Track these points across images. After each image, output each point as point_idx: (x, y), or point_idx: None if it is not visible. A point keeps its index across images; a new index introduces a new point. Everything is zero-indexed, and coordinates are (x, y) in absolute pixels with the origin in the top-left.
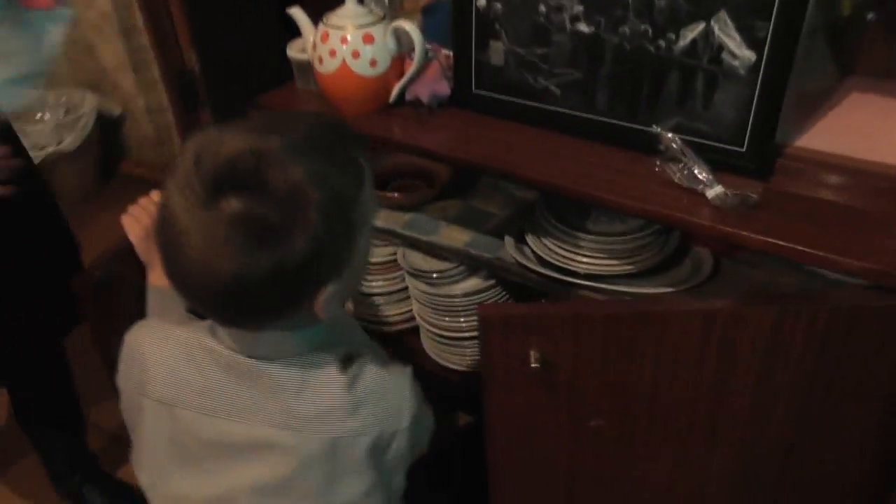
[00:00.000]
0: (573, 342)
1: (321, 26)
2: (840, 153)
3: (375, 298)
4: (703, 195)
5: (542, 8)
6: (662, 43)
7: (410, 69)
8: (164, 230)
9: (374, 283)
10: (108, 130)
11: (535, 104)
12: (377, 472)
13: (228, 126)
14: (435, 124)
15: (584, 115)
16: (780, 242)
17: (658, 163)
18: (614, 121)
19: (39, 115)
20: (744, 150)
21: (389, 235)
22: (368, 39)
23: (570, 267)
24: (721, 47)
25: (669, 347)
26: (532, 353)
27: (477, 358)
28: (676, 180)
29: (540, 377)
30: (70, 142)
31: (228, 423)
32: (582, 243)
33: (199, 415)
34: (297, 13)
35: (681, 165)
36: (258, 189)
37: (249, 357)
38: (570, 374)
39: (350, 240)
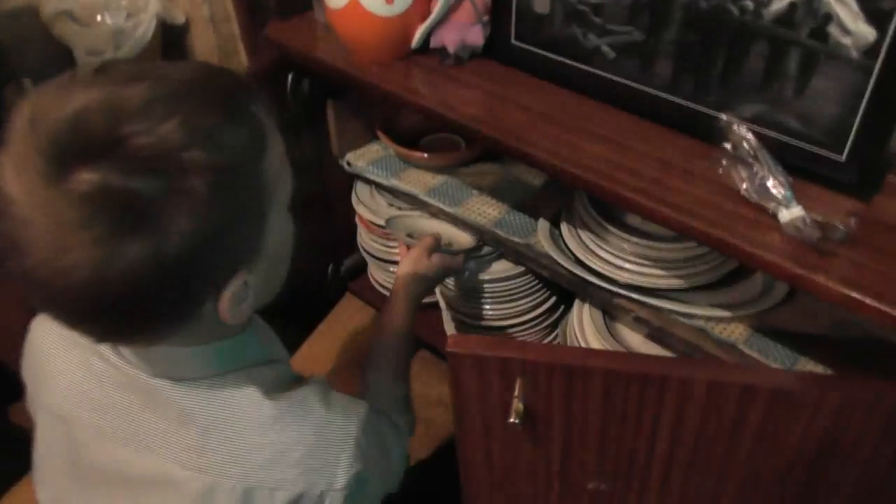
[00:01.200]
0: (564, 396)
1: None
2: None
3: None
4: (774, 216)
5: None
6: (750, 3)
7: (435, 9)
8: None
9: (393, 248)
10: (169, 39)
11: (583, 66)
12: None
13: (77, 77)
14: (461, 80)
15: (640, 87)
16: (869, 301)
17: (724, 163)
18: (676, 99)
19: (99, 17)
20: (843, 158)
21: (411, 200)
22: None
23: (607, 273)
24: (829, 17)
25: (686, 420)
26: (514, 402)
27: None
28: (743, 191)
29: (524, 430)
30: (128, 49)
31: (126, 451)
32: (625, 245)
33: (96, 436)
34: None
35: (752, 171)
36: (116, 154)
37: (153, 377)
38: (561, 430)
39: (256, 218)
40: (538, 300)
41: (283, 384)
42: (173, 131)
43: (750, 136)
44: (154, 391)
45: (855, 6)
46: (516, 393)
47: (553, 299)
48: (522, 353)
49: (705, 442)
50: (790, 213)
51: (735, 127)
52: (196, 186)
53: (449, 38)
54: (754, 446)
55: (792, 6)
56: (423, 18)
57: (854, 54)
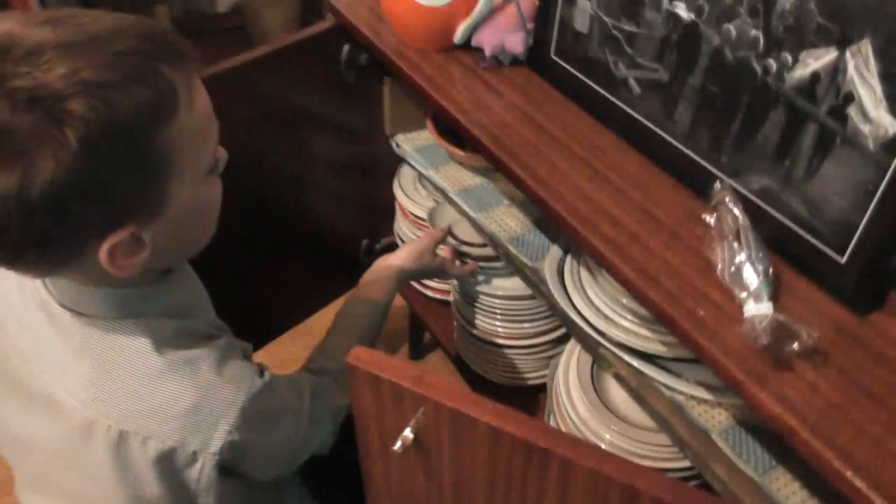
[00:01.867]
0: (452, 438)
1: None
2: None
3: None
4: (740, 307)
5: None
6: (773, 64)
7: (477, 7)
8: None
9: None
10: None
11: (608, 96)
12: (171, 488)
13: (8, 14)
14: (489, 84)
15: (657, 130)
16: (800, 430)
17: (711, 233)
18: (688, 151)
19: None
20: (843, 260)
21: (443, 195)
22: None
23: (594, 322)
24: (850, 97)
25: (570, 501)
26: (406, 430)
27: (509, 373)
28: (717, 270)
29: (417, 461)
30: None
31: (31, 366)
32: (619, 297)
33: (14, 347)
34: None
35: (732, 250)
36: (3, 92)
37: (59, 305)
38: (451, 472)
39: (144, 179)
40: (544, 327)
41: (184, 339)
42: (56, 80)
43: (737, 211)
44: (58, 318)
45: (879, 91)
46: (411, 422)
47: (562, 331)
48: (414, 384)
49: None
50: (756, 308)
51: (727, 198)
52: (69, 136)
53: (488, 40)
54: None
55: (815, 76)
56: (468, 14)
57: (871, 145)
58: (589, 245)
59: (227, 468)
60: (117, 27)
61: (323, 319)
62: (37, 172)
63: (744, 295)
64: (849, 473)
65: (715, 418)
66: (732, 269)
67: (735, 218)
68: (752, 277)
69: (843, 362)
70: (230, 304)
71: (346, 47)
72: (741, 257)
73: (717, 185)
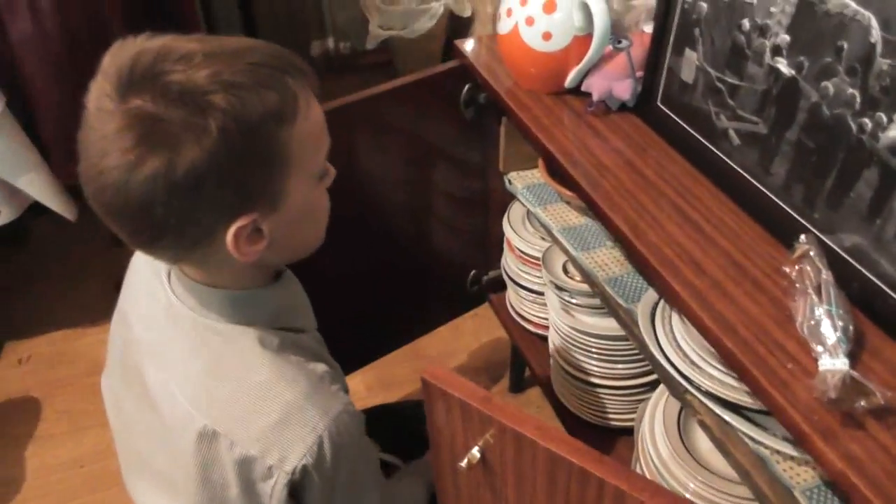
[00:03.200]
0: (514, 460)
1: None
2: None
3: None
4: (815, 361)
5: (747, 24)
6: (868, 123)
7: (588, 54)
8: (80, 133)
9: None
10: (454, 28)
11: (709, 145)
12: (248, 495)
13: (156, 34)
14: (594, 128)
15: (753, 181)
16: (864, 489)
17: (796, 286)
18: (782, 204)
19: None
20: None
21: (546, 232)
22: (550, 7)
23: (679, 366)
24: None
25: None
26: (474, 448)
27: (600, 412)
28: (797, 323)
29: (483, 478)
30: (413, 30)
31: (149, 363)
32: (706, 343)
33: (136, 343)
34: None
35: (812, 304)
36: (154, 87)
37: (184, 307)
38: (514, 493)
39: (267, 171)
40: (637, 370)
41: (289, 354)
42: (202, 77)
43: (820, 264)
44: (181, 319)
45: None
46: (480, 441)
47: (655, 375)
48: (482, 404)
49: None
50: (831, 363)
51: (812, 252)
52: (210, 125)
53: (596, 86)
54: None
55: None
56: (580, 60)
57: None
58: (669, 288)
59: (296, 492)
60: (252, 45)
61: (428, 343)
62: (182, 156)
63: (820, 349)
64: None
65: (800, 475)
66: (812, 322)
67: (818, 271)
68: (829, 332)
69: None
70: (343, 321)
71: (466, 87)
72: (820, 311)
73: (803, 237)
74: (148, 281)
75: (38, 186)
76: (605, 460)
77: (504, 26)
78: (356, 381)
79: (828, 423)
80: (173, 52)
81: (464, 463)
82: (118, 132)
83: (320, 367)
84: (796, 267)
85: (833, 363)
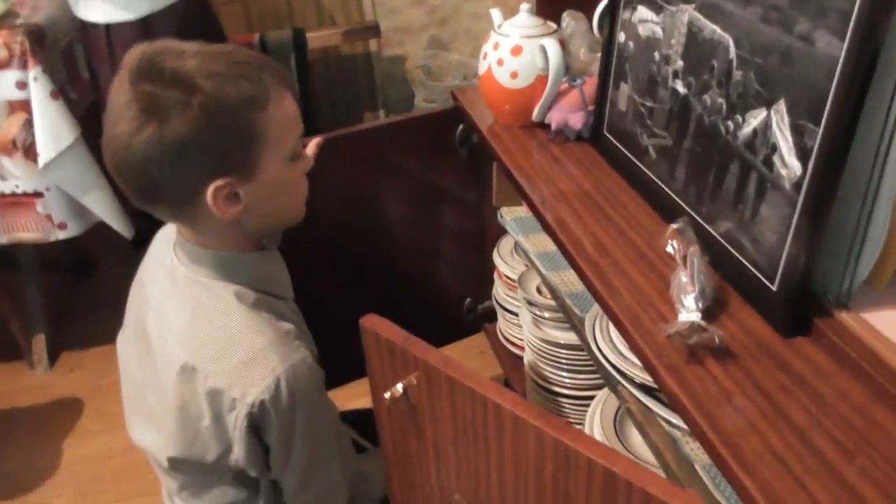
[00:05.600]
0: (427, 394)
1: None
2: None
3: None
4: (677, 317)
5: (657, 55)
6: (731, 125)
7: (545, 92)
8: (104, 113)
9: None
10: None
11: (637, 162)
12: (217, 425)
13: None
14: (552, 154)
15: (663, 186)
16: (694, 413)
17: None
18: (681, 202)
19: (447, 77)
20: (775, 288)
21: (525, 257)
22: (516, 51)
23: (612, 361)
24: (775, 147)
25: (510, 453)
26: (399, 384)
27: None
28: (671, 289)
29: (411, 419)
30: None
31: (151, 315)
32: None
33: (146, 300)
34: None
35: (681, 271)
36: (155, 74)
37: (181, 265)
38: (431, 430)
39: (242, 144)
40: (600, 381)
41: (261, 309)
42: (191, 66)
43: (688, 240)
44: (178, 276)
45: (791, 140)
46: (405, 379)
47: None
48: (402, 342)
49: (522, 480)
50: (686, 316)
51: (684, 230)
52: (192, 103)
53: (555, 118)
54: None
55: (754, 132)
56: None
57: (787, 186)
58: (577, 266)
59: (257, 428)
60: (238, 49)
61: None
62: (171, 125)
63: (679, 307)
64: (714, 439)
65: (704, 455)
66: (678, 286)
67: (687, 245)
68: (689, 292)
69: (751, 366)
70: (339, 340)
71: (460, 126)
72: (684, 277)
73: (680, 219)
74: (160, 249)
75: (101, 205)
76: (495, 386)
77: (481, 68)
78: (363, 402)
79: (673, 359)
80: (172, 49)
81: (387, 395)
82: (127, 106)
83: (287, 326)
84: (670, 242)
85: (688, 316)
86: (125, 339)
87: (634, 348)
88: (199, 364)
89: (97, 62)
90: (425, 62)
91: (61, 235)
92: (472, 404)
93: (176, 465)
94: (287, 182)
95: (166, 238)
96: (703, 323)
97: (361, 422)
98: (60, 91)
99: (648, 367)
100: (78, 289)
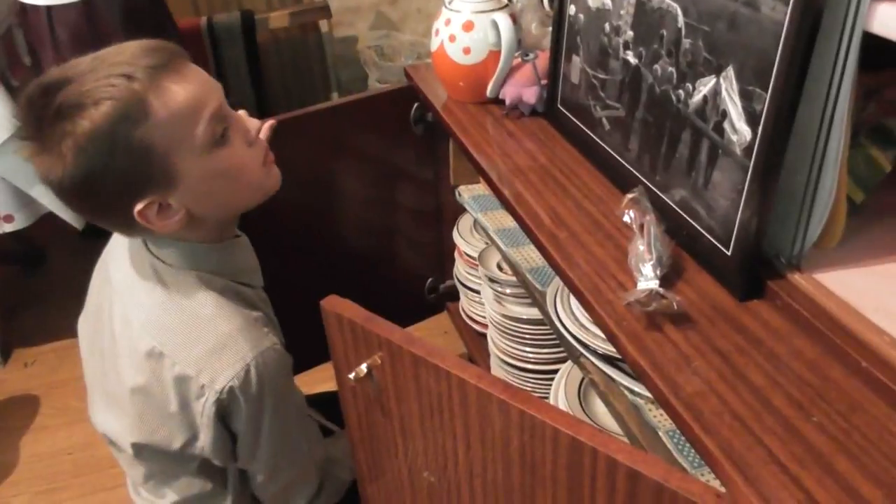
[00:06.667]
0: (392, 373)
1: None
2: (852, 303)
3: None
4: (636, 285)
5: (607, 27)
6: (682, 93)
7: (498, 66)
8: None
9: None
10: None
11: (591, 134)
12: (184, 411)
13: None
14: (506, 128)
15: (618, 157)
16: (651, 373)
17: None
18: (636, 172)
19: (400, 58)
20: (729, 253)
21: (485, 234)
22: (468, 27)
23: (574, 332)
24: (725, 113)
25: (476, 427)
26: (363, 364)
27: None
28: (628, 259)
29: (376, 400)
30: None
31: (118, 300)
32: None
33: (109, 285)
34: None
35: (638, 243)
36: (38, 122)
37: (152, 256)
38: (397, 409)
39: (141, 163)
40: (562, 354)
41: (228, 296)
42: (62, 101)
43: (644, 209)
44: (143, 262)
45: (740, 106)
46: (368, 360)
47: None
48: (363, 321)
49: (489, 454)
50: (645, 284)
51: (640, 199)
52: (63, 149)
53: (509, 93)
54: (523, 473)
55: (704, 99)
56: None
57: (738, 151)
58: (535, 239)
59: (225, 416)
60: (109, 54)
61: None
62: (65, 171)
63: (638, 275)
64: (675, 402)
65: (667, 421)
66: (635, 254)
67: (643, 214)
68: (647, 260)
69: (708, 330)
70: (303, 325)
71: (415, 105)
72: (642, 246)
73: (635, 189)
74: (121, 239)
75: (50, 197)
76: (458, 361)
77: (434, 44)
78: (328, 386)
79: (634, 327)
80: (53, 84)
81: (352, 375)
82: (30, 144)
83: (256, 313)
84: (626, 212)
85: (647, 284)
86: (86, 322)
87: (595, 318)
88: (167, 350)
89: (39, 47)
90: (377, 42)
91: (8, 228)
92: (436, 380)
93: (140, 451)
94: (223, 168)
95: None
96: (661, 290)
97: (327, 405)
98: (1, 78)
99: (609, 335)
100: (29, 281)
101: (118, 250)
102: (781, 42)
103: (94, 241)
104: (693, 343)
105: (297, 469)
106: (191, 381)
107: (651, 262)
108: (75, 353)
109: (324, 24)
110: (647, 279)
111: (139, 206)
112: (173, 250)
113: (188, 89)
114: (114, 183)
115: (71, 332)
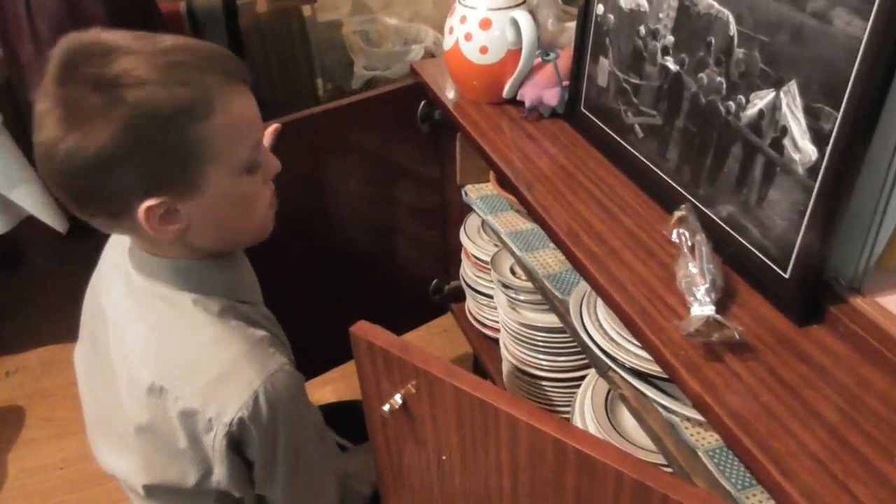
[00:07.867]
0: (428, 403)
1: None
2: None
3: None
4: (688, 310)
5: (643, 29)
6: (732, 105)
7: (518, 66)
8: None
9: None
10: None
11: (621, 141)
12: (194, 448)
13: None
14: (526, 131)
15: (653, 167)
16: (718, 410)
17: (682, 251)
18: (674, 184)
19: (387, 42)
20: (787, 275)
21: (496, 237)
22: (485, 25)
23: (604, 347)
24: (785, 130)
25: (518, 460)
26: (397, 395)
27: (554, 408)
28: (677, 280)
29: (408, 427)
30: (394, 70)
31: (106, 323)
32: None
33: (99, 306)
34: None
35: (688, 264)
36: (80, 78)
37: (139, 273)
38: (433, 438)
39: (178, 161)
40: (579, 363)
41: (229, 319)
42: (119, 70)
43: (693, 228)
44: (134, 284)
45: (804, 123)
46: (402, 389)
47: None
48: (399, 351)
49: (539, 489)
50: (700, 310)
51: (689, 217)
52: (114, 115)
53: (528, 94)
54: None
55: (760, 114)
56: (515, 72)
57: (800, 171)
58: (573, 256)
59: (237, 446)
60: (180, 45)
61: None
62: (92, 138)
63: (691, 299)
64: (749, 444)
65: (705, 439)
66: (686, 277)
67: (693, 233)
68: (700, 285)
69: (771, 360)
70: (307, 328)
71: (422, 103)
72: (693, 268)
73: (683, 206)
74: (115, 255)
75: (31, 200)
76: (506, 395)
77: (447, 42)
78: (327, 391)
79: (692, 357)
80: (99, 46)
81: (386, 408)
82: (48, 112)
83: (260, 332)
84: (675, 231)
85: (702, 310)
86: (83, 356)
87: (648, 345)
88: (168, 383)
89: (16, 38)
90: (362, 27)
91: None
92: (482, 415)
93: (153, 492)
94: (244, 195)
95: (120, 240)
96: (718, 317)
97: (335, 418)
98: None
99: (665, 365)
100: (8, 285)
101: (108, 273)
102: (858, 59)
103: (75, 240)
104: (757, 375)
105: (317, 489)
106: (197, 416)
107: (705, 287)
108: (60, 360)
109: (307, 9)
110: (702, 304)
111: (150, 203)
112: (166, 269)
113: (249, 109)
114: (141, 170)
115: (54, 338)
